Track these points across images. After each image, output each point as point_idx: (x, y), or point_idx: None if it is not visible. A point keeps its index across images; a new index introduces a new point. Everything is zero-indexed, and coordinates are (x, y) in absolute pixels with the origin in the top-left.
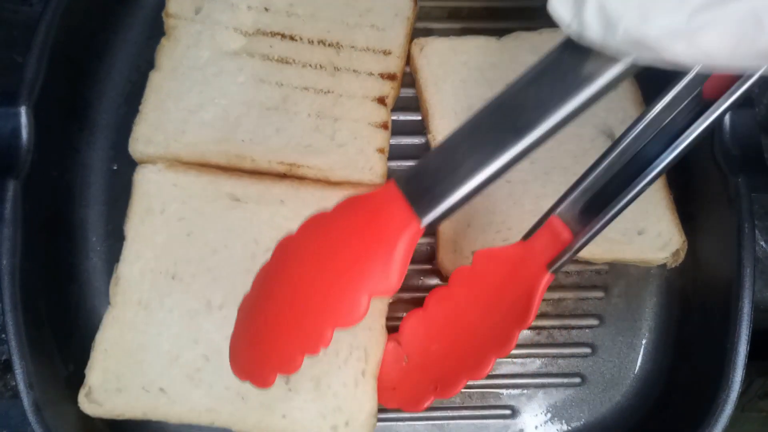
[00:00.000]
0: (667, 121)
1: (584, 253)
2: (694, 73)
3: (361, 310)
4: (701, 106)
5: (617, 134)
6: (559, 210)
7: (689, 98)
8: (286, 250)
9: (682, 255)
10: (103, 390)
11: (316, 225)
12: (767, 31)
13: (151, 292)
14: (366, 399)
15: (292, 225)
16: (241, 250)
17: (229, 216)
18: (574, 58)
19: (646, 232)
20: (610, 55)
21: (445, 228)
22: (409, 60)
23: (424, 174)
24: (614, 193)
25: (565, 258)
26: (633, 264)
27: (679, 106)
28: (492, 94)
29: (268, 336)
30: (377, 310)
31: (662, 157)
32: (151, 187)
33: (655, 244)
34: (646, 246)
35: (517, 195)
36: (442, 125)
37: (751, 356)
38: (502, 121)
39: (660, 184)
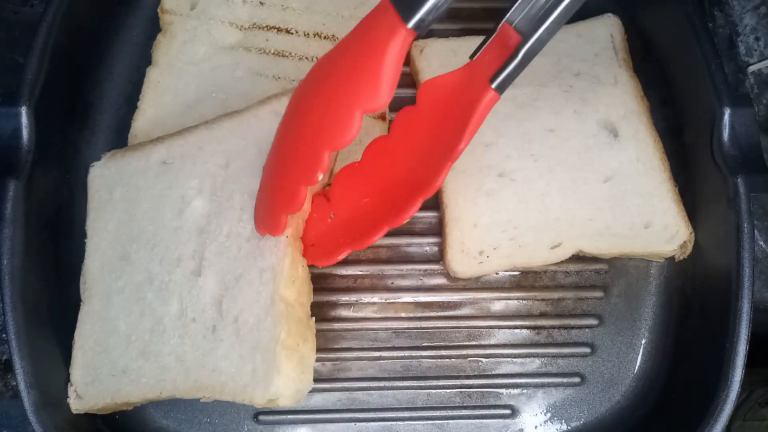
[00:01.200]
0: None
1: (592, 249)
2: None
3: (354, 128)
4: None
5: (619, 130)
6: (510, 17)
7: None
8: (294, 94)
9: (690, 247)
10: (83, 384)
11: (322, 60)
12: None
13: (108, 279)
14: (275, 325)
15: (211, 165)
16: (170, 210)
17: (161, 181)
18: None
19: (653, 225)
20: None
21: (451, 229)
22: (409, 62)
23: None
24: None
25: (510, 68)
26: (638, 259)
27: None
28: None
29: (276, 178)
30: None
31: None
32: (100, 182)
33: (662, 236)
34: (653, 239)
35: (522, 194)
36: None
37: (750, 364)
38: None
39: (664, 176)
